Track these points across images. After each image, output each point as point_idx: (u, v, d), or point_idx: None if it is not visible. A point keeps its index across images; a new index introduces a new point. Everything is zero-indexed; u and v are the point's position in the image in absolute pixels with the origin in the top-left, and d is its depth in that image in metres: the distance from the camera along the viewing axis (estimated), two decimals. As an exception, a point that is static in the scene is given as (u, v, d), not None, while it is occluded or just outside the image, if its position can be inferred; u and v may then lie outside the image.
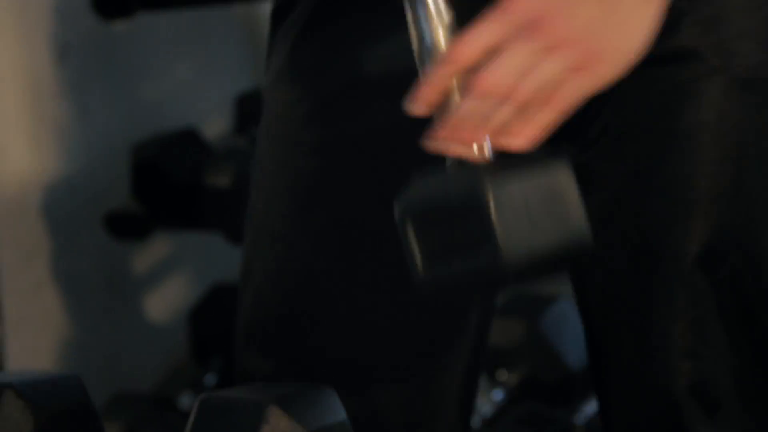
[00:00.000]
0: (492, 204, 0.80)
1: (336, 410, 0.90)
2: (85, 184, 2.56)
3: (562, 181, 0.83)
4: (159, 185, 2.37)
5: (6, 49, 2.47)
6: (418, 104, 0.82)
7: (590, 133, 0.90)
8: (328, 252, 1.00)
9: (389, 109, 0.92)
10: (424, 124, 0.84)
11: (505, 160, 0.84)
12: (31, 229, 2.51)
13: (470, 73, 0.78)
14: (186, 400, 2.44)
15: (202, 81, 2.63)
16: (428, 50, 0.83)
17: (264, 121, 1.05)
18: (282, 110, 1.02)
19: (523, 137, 0.81)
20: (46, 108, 2.51)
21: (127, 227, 2.48)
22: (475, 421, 2.12)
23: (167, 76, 2.67)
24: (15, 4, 2.46)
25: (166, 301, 2.73)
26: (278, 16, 1.03)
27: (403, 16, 0.83)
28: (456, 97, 0.82)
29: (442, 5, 0.83)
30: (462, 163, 0.85)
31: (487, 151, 0.84)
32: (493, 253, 0.80)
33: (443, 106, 0.82)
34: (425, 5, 0.83)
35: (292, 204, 1.01)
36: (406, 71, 0.85)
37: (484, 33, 0.78)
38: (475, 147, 0.83)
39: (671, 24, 0.83)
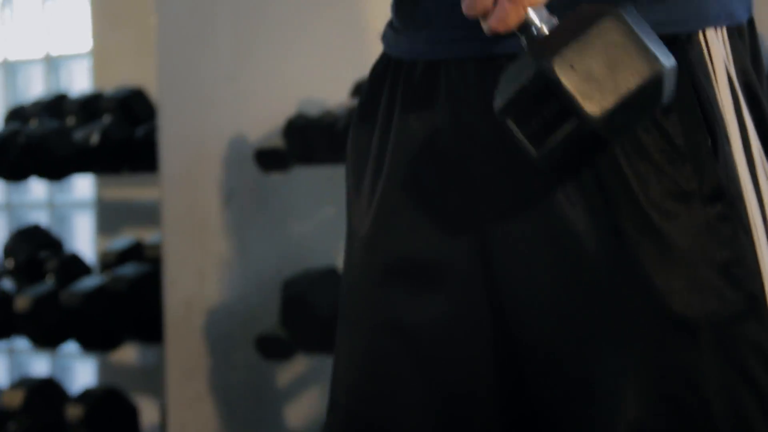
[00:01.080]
0: (562, 80, 0.87)
1: None
2: (241, 310, 2.83)
3: (614, 32, 0.88)
4: (304, 316, 2.63)
5: (182, 193, 2.83)
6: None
7: None
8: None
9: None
10: None
11: (559, 30, 0.90)
12: (194, 347, 2.80)
13: None
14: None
15: (343, 228, 2.87)
16: None
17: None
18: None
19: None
20: (211, 244, 2.82)
21: (274, 349, 2.74)
22: None
23: (314, 219, 2.92)
24: (190, 155, 2.82)
25: (305, 413, 2.91)
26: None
27: None
28: None
29: None
30: (527, 45, 0.91)
31: (538, 25, 0.91)
32: (583, 117, 0.87)
33: None
34: None
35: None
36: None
37: None
38: (521, 21, 0.91)
39: None
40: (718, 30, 1.03)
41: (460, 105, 1.08)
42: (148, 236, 3.64)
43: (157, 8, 2.80)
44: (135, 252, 3.34)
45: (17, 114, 3.52)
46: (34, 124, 3.35)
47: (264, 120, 2.81)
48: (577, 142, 0.90)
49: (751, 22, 1.08)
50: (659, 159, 1.00)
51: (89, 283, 3.07)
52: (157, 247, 3.19)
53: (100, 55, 4.05)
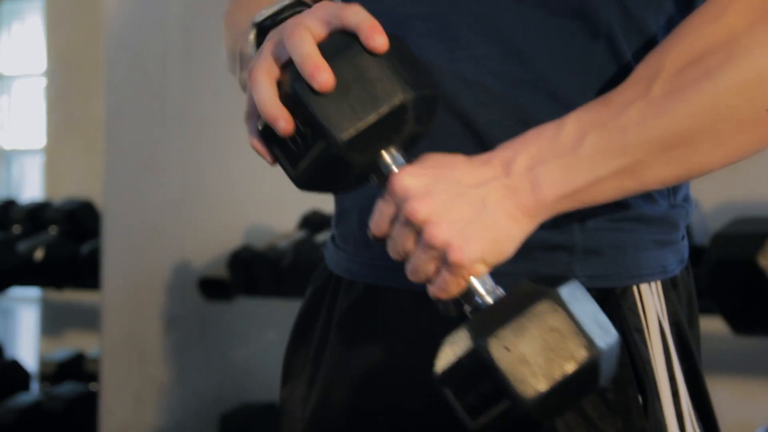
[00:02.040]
0: (496, 362, 0.86)
1: None
2: (177, 439, 2.81)
3: (550, 316, 0.88)
4: (240, 451, 2.63)
5: (122, 317, 2.79)
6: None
7: None
8: None
9: None
10: None
11: (499, 307, 0.89)
12: (127, 476, 2.77)
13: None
14: None
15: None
16: None
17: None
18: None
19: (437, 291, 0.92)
20: (150, 370, 2.78)
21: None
22: None
23: (255, 348, 2.89)
24: (133, 278, 2.79)
25: None
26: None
27: None
28: None
29: None
30: (468, 316, 0.91)
31: (482, 293, 0.90)
32: (516, 400, 0.86)
33: None
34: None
35: None
36: None
37: (381, 221, 0.92)
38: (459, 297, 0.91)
39: None
40: (652, 284, 1.03)
41: (395, 335, 1.08)
42: (91, 342, 3.60)
43: (107, 138, 2.80)
44: (75, 364, 3.30)
45: (-37, 218, 3.49)
46: (-21, 231, 3.32)
47: (209, 247, 2.81)
48: (511, 421, 0.90)
49: (687, 268, 1.08)
50: (591, 412, 1.00)
51: (25, 399, 3.02)
52: (97, 362, 3.16)
53: (52, 152, 4.05)
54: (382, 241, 0.93)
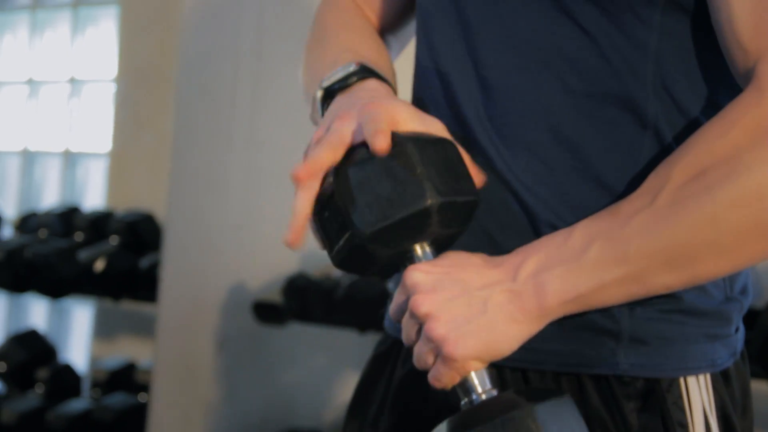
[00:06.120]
0: None
1: None
2: (223, 459, 2.82)
3: (523, 426, 0.91)
4: (283, 478, 2.66)
5: (174, 335, 2.84)
6: None
7: None
8: None
9: None
10: None
11: (485, 408, 0.94)
12: (171, 491, 2.80)
13: None
14: None
15: (333, 381, 2.91)
16: None
17: None
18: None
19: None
20: (199, 391, 2.82)
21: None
22: None
23: (304, 371, 2.92)
24: (190, 298, 2.84)
25: None
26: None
27: None
28: None
29: None
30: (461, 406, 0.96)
31: (478, 390, 0.95)
32: None
33: None
34: None
35: None
36: None
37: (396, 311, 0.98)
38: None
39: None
40: (701, 377, 1.04)
41: (445, 402, 1.10)
42: (143, 350, 3.66)
43: (173, 157, 2.84)
44: (126, 374, 3.35)
45: (29, 222, 3.57)
46: (43, 236, 3.39)
47: (264, 271, 2.83)
48: None
49: (743, 359, 1.09)
50: None
51: (76, 406, 3.08)
52: (148, 373, 3.21)
53: (117, 158, 4.12)
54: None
